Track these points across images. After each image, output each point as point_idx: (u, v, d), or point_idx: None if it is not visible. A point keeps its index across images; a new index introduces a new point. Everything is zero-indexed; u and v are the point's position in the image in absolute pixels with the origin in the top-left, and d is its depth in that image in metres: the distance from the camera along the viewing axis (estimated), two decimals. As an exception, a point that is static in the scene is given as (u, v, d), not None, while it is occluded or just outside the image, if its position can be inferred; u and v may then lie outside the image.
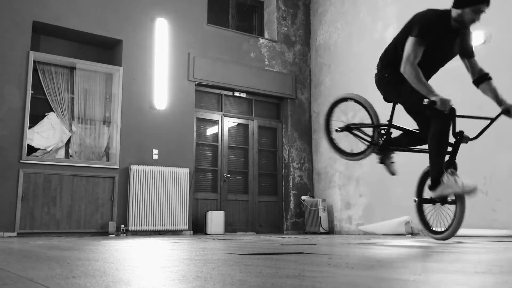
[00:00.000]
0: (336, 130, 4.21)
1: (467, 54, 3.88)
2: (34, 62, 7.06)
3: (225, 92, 8.87)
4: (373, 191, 7.81)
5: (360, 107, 4.14)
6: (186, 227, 7.66)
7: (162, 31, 8.02)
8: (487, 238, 5.13)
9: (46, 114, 7.24)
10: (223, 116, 8.80)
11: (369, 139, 4.06)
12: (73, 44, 7.73)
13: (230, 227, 8.42)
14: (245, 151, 8.99)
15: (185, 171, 7.78)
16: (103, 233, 6.99)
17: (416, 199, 4.00)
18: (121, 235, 7.05)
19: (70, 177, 6.96)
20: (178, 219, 7.59)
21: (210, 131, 8.74)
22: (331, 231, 8.47)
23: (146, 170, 7.44)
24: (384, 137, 4.02)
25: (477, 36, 6.35)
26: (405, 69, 3.58)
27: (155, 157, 7.68)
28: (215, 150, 8.67)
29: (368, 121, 4.09)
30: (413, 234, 6.68)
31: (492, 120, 3.70)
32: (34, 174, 6.72)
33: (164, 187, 7.54)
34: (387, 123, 4.04)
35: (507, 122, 5.92)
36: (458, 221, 3.62)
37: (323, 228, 8.30)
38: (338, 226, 8.47)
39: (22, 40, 6.90)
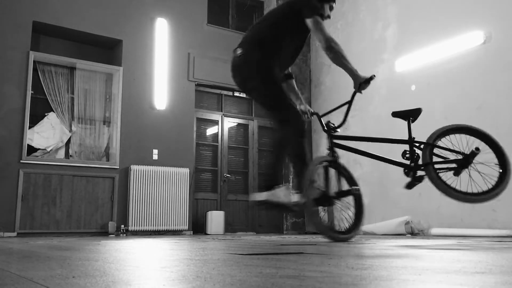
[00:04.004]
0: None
1: None
2: (34, 62, 7.06)
3: (225, 92, 8.87)
4: (373, 191, 7.80)
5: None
6: (186, 227, 7.66)
7: (162, 31, 8.03)
8: (487, 238, 5.13)
9: (46, 114, 7.25)
10: (223, 116, 8.80)
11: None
12: (73, 44, 7.74)
13: (230, 227, 8.42)
14: (245, 151, 8.99)
15: (185, 171, 7.78)
16: (103, 233, 6.99)
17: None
18: (121, 235, 7.05)
19: (70, 177, 6.97)
20: (178, 219, 7.60)
21: (210, 131, 8.74)
22: (331, 231, 8.46)
23: (146, 170, 7.45)
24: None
25: (476, 36, 6.35)
26: (334, 48, 3.24)
27: (155, 157, 7.68)
28: (215, 150, 8.67)
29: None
30: (413, 234, 6.68)
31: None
32: (34, 174, 6.72)
33: (164, 187, 7.55)
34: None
35: (507, 122, 5.93)
36: None
37: (323, 228, 8.29)
38: (338, 226, 8.46)
39: (22, 40, 6.90)
